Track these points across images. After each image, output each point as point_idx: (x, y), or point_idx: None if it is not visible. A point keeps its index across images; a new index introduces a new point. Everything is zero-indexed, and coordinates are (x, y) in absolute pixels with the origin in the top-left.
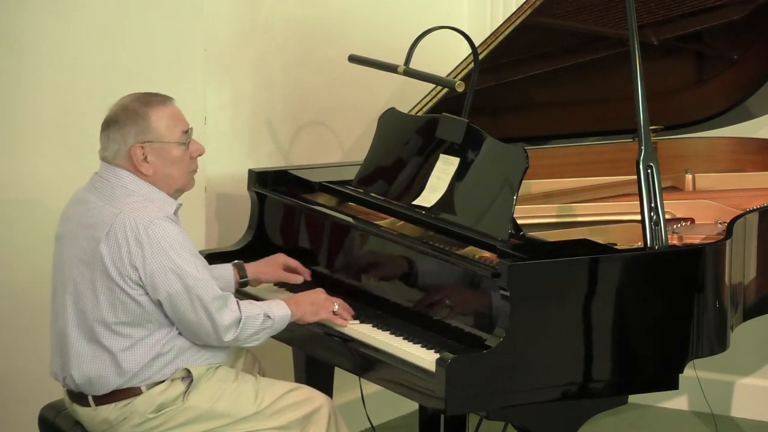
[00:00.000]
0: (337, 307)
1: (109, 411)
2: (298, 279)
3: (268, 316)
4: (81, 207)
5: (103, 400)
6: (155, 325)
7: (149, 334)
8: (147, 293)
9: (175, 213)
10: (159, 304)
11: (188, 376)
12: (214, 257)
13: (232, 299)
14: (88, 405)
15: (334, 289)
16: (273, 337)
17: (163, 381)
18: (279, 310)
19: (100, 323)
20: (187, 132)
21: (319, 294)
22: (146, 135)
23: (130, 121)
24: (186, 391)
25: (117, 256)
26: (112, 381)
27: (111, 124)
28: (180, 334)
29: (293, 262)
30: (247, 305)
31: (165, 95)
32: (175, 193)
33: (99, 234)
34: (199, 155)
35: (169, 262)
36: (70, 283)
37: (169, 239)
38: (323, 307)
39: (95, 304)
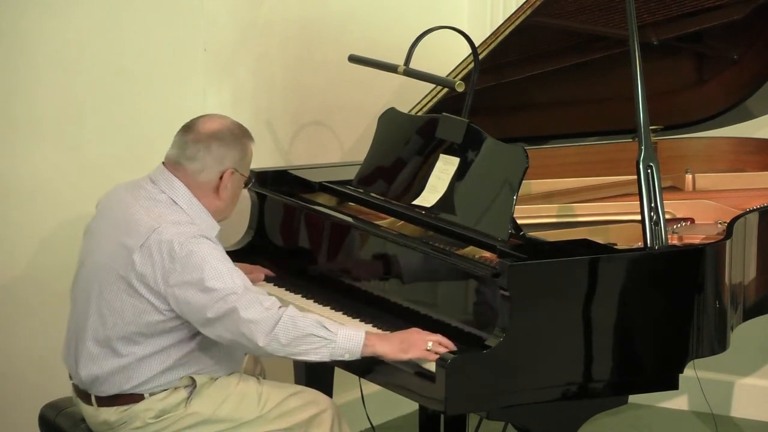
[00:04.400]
0: (431, 344)
1: (110, 413)
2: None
3: (326, 328)
4: (119, 208)
5: (105, 402)
6: (173, 339)
7: (165, 348)
8: (172, 309)
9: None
10: (186, 322)
11: (191, 384)
12: None
13: (272, 299)
14: (90, 404)
15: (333, 288)
16: None
17: (166, 389)
18: (350, 331)
19: (120, 330)
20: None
21: (412, 332)
22: (240, 165)
23: (234, 145)
24: (188, 398)
25: (149, 270)
26: (118, 385)
27: (215, 138)
28: (194, 351)
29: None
30: (297, 311)
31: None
32: (218, 219)
33: (133, 244)
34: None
35: (200, 274)
36: (97, 285)
37: (203, 253)
38: (414, 345)
39: (119, 312)
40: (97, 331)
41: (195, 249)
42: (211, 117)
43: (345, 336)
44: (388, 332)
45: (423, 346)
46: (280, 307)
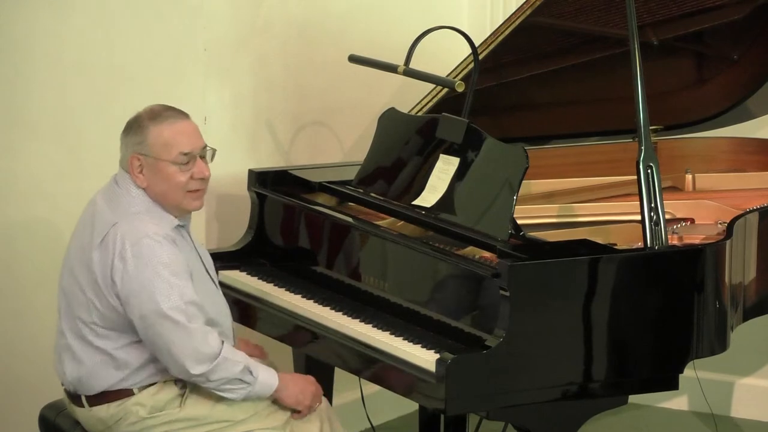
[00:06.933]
0: (319, 405)
1: (103, 411)
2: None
3: (250, 372)
4: (91, 209)
5: (95, 400)
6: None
7: (139, 340)
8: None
9: (184, 228)
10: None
11: (181, 380)
12: (213, 257)
13: (214, 334)
14: (82, 405)
15: (333, 288)
16: (271, 335)
17: (154, 383)
18: (265, 375)
19: (90, 325)
20: (188, 154)
21: (310, 384)
22: (142, 148)
23: (133, 131)
24: (182, 395)
25: (105, 266)
26: (103, 379)
27: (124, 129)
28: None
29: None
30: (231, 349)
31: (179, 111)
32: (173, 210)
33: (96, 240)
34: (202, 178)
35: (147, 282)
36: (68, 285)
37: (154, 260)
38: (309, 398)
39: (87, 307)
40: (72, 330)
41: (146, 250)
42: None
43: (263, 382)
44: (289, 374)
45: (315, 404)
46: (220, 342)
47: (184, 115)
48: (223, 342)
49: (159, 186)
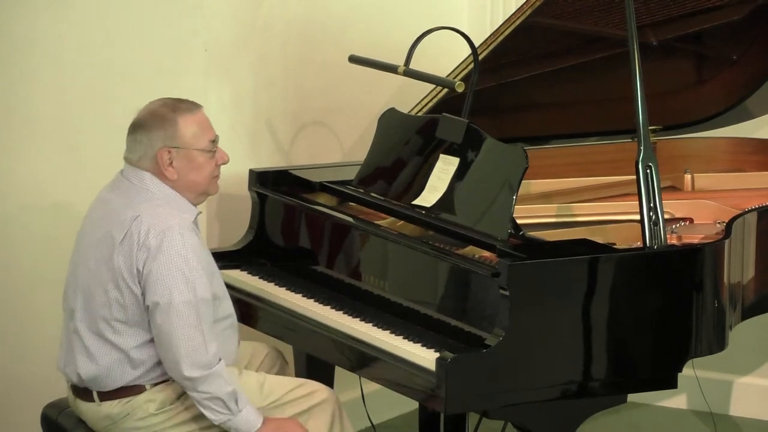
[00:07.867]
0: None
1: (113, 406)
2: None
3: (236, 401)
4: (103, 208)
5: (107, 396)
6: None
7: None
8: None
9: (194, 221)
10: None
11: None
12: (215, 257)
13: (215, 346)
14: (91, 400)
15: (334, 288)
16: (272, 334)
17: (166, 379)
18: (250, 412)
19: (111, 323)
20: (214, 141)
21: (290, 424)
22: (173, 141)
23: (157, 126)
24: None
25: (129, 259)
26: (120, 377)
27: (138, 128)
28: None
29: None
30: (227, 371)
31: (193, 102)
32: (199, 197)
33: (116, 236)
34: (224, 163)
35: (165, 272)
36: (84, 281)
37: (175, 252)
38: None
39: (106, 304)
40: (90, 329)
41: (170, 241)
42: (145, 107)
43: (245, 418)
44: (273, 418)
45: None
46: (219, 358)
47: (198, 105)
48: (220, 360)
49: (190, 175)
